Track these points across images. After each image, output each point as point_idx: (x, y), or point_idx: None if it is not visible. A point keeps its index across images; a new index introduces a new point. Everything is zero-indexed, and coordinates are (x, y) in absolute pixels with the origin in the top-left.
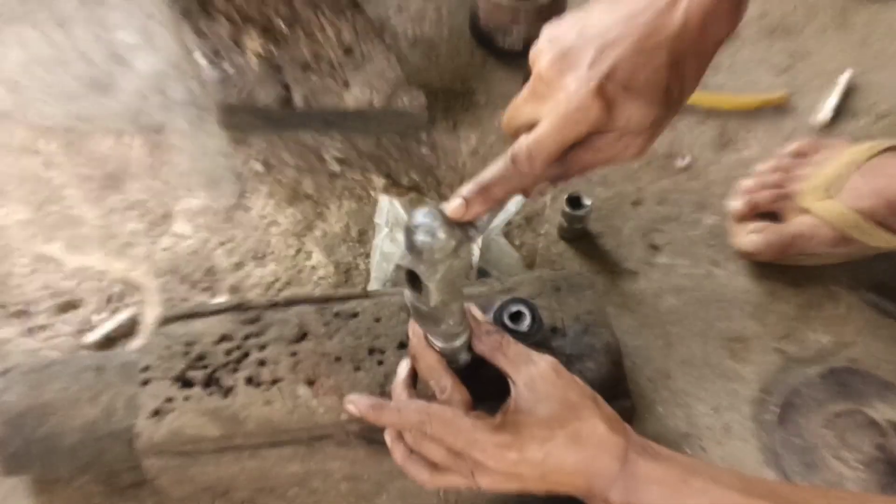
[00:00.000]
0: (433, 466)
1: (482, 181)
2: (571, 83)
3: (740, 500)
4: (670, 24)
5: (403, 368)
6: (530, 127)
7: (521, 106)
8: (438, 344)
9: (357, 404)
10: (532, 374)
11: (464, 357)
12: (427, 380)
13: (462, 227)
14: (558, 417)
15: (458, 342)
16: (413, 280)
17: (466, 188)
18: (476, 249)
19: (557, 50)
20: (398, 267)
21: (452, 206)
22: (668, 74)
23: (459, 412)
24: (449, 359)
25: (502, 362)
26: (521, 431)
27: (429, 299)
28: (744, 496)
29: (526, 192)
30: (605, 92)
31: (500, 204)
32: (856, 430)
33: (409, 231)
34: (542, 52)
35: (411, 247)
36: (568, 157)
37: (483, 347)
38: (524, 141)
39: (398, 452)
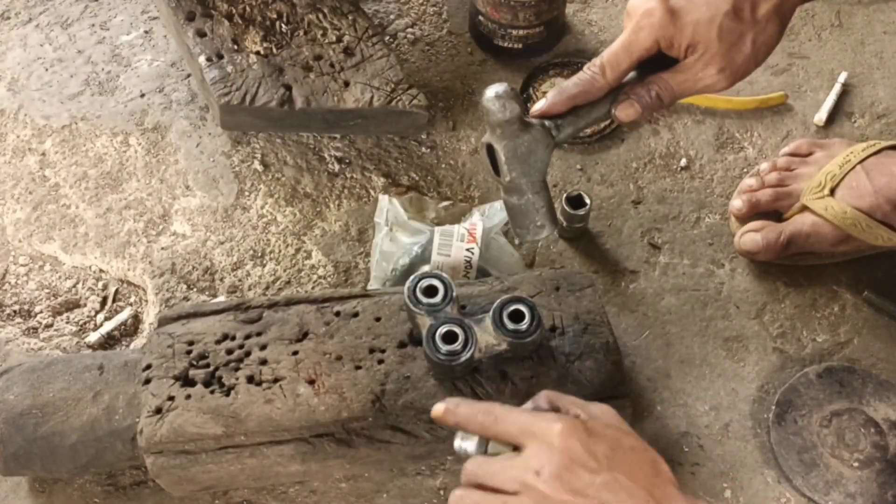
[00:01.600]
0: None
1: (563, 87)
2: (644, 2)
3: None
4: None
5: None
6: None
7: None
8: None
9: (457, 412)
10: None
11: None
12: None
13: (541, 121)
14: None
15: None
16: (493, 159)
17: (550, 92)
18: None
19: None
20: (482, 145)
21: (537, 104)
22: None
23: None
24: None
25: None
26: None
27: (503, 171)
28: None
29: (611, 112)
30: (671, 2)
31: (577, 104)
32: (854, 429)
33: (482, 99)
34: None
35: (485, 115)
36: (653, 79)
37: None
38: (601, 54)
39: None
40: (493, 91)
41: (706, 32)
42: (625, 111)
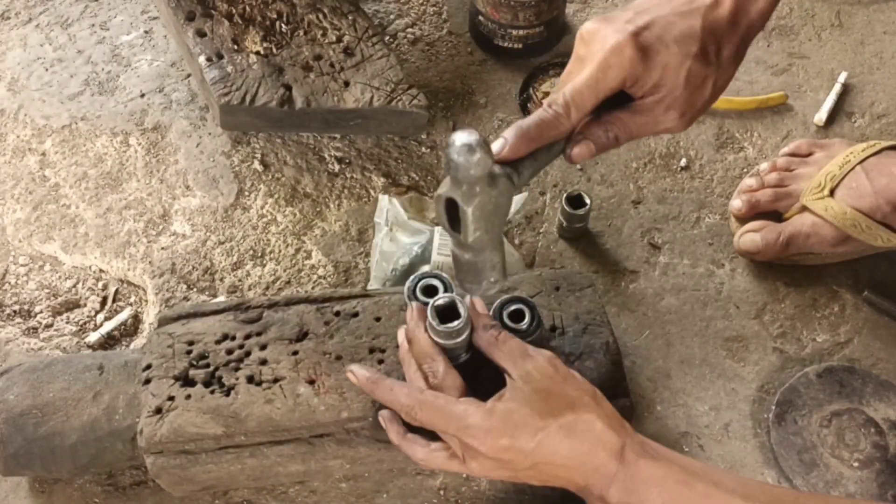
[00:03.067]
0: (426, 446)
1: (522, 125)
2: (609, 35)
3: None
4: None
5: (403, 338)
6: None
7: (565, 76)
8: (439, 340)
9: (356, 373)
10: (528, 368)
11: (463, 356)
12: (420, 363)
13: (503, 167)
14: (553, 409)
15: (460, 339)
16: (451, 213)
17: (507, 131)
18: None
19: (598, 18)
20: (437, 197)
21: (495, 145)
22: (703, 35)
23: (451, 398)
24: (448, 356)
25: (498, 357)
26: (513, 418)
27: (467, 232)
28: (746, 501)
29: (567, 153)
30: (640, 39)
31: (541, 157)
32: (854, 429)
33: (448, 151)
34: (587, 23)
35: (449, 167)
36: (611, 119)
37: (481, 342)
38: (562, 89)
39: (393, 433)
40: (463, 142)
41: (674, 77)
42: (580, 153)
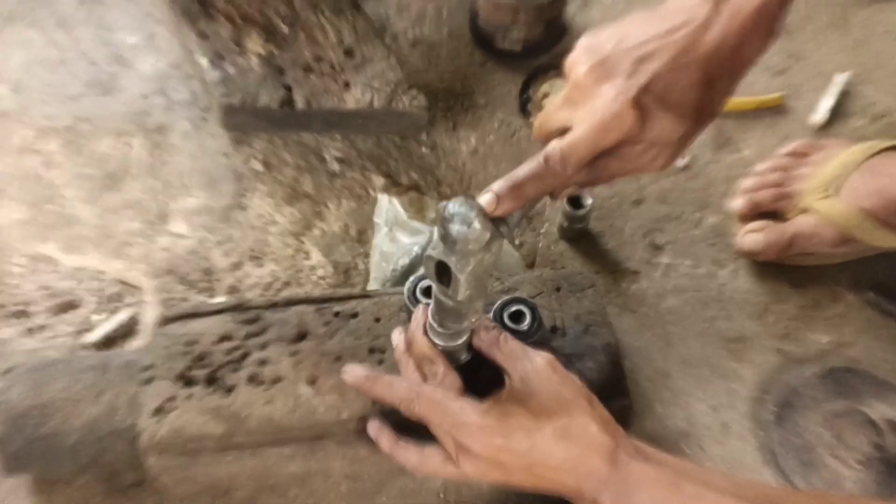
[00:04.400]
0: (420, 452)
1: (514, 179)
2: (609, 91)
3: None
4: (706, 42)
5: (399, 339)
6: (562, 132)
7: (555, 112)
8: (439, 342)
9: (352, 373)
10: (527, 369)
11: (464, 356)
12: (420, 365)
13: (493, 222)
14: (548, 411)
15: (460, 340)
16: (441, 272)
17: (498, 184)
18: (508, 247)
19: (595, 59)
20: (428, 258)
21: (484, 200)
22: (701, 92)
23: (449, 394)
24: (449, 357)
25: (499, 357)
26: (509, 419)
27: (457, 293)
28: (737, 501)
29: (554, 194)
30: (641, 103)
31: (529, 203)
32: (854, 429)
33: (444, 220)
34: (579, 62)
35: (445, 237)
36: (597, 163)
37: (481, 343)
38: (558, 144)
39: (384, 441)
40: (460, 214)
41: (669, 137)
42: (565, 193)
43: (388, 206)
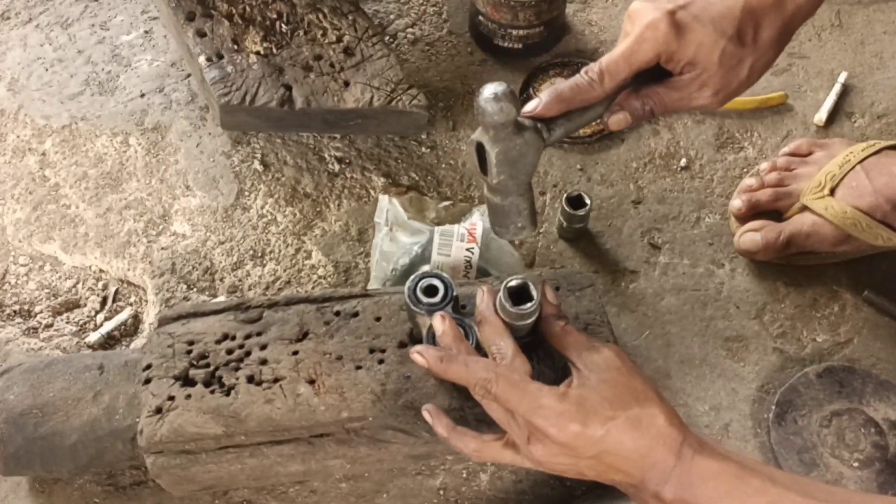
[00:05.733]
0: (478, 438)
1: (557, 87)
2: (648, 12)
3: (799, 500)
4: None
5: (443, 324)
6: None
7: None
8: (507, 321)
9: (425, 354)
10: (596, 359)
11: (524, 340)
12: (489, 345)
13: (533, 122)
14: (620, 400)
15: (529, 320)
16: (481, 157)
17: (543, 92)
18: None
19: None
20: (470, 143)
21: (530, 104)
22: (742, 16)
23: (525, 377)
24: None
25: (565, 346)
26: (585, 405)
27: (491, 173)
28: (803, 497)
29: (599, 114)
30: (677, 17)
31: (570, 109)
32: (854, 429)
33: (477, 99)
34: (633, 4)
35: (476, 112)
36: (648, 92)
37: (551, 329)
38: (600, 59)
39: (441, 426)
40: (490, 91)
41: (708, 55)
42: (617, 121)
43: (388, 206)
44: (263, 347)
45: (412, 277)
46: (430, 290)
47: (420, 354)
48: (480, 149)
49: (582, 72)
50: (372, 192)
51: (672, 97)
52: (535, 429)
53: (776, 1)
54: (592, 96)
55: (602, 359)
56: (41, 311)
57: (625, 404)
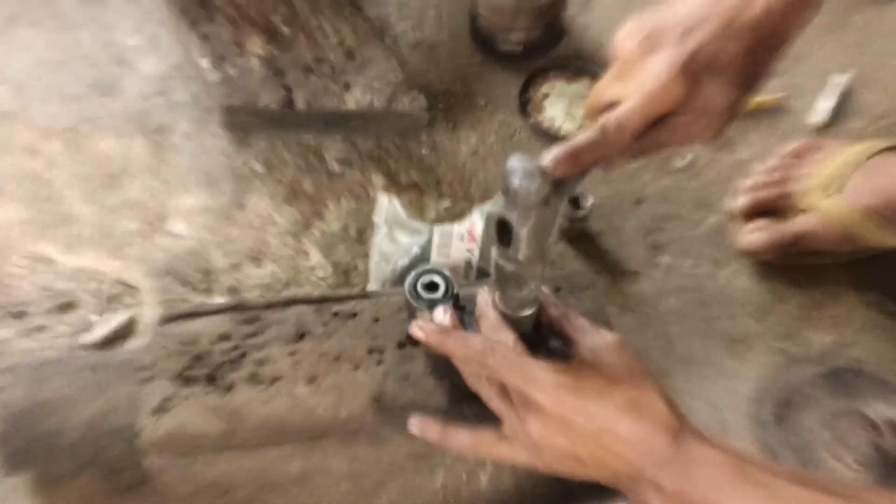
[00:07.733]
0: (471, 433)
1: (573, 145)
2: (658, 62)
3: (801, 492)
4: (754, 9)
5: (444, 317)
6: (614, 107)
7: (606, 87)
8: (508, 312)
9: (424, 328)
10: (597, 341)
11: (526, 332)
12: (488, 336)
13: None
14: (619, 380)
15: (530, 311)
16: (503, 232)
17: (557, 150)
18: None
19: (643, 34)
20: (489, 217)
21: (547, 165)
22: (747, 59)
23: (522, 353)
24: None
25: (569, 328)
26: (583, 381)
27: (518, 250)
28: (805, 489)
29: (608, 164)
30: (689, 71)
31: (583, 171)
32: (854, 429)
33: (507, 175)
34: (627, 39)
35: (507, 191)
36: (648, 135)
37: (553, 312)
38: (613, 114)
39: (433, 431)
40: (523, 168)
41: (714, 103)
42: (615, 163)
43: (387, 206)
44: (262, 348)
45: (413, 273)
46: (431, 286)
47: (419, 328)
48: (503, 226)
49: (598, 128)
50: (372, 192)
51: (671, 138)
52: (531, 402)
53: (772, 40)
54: (610, 153)
55: (603, 341)
56: (39, 312)
57: (624, 385)
